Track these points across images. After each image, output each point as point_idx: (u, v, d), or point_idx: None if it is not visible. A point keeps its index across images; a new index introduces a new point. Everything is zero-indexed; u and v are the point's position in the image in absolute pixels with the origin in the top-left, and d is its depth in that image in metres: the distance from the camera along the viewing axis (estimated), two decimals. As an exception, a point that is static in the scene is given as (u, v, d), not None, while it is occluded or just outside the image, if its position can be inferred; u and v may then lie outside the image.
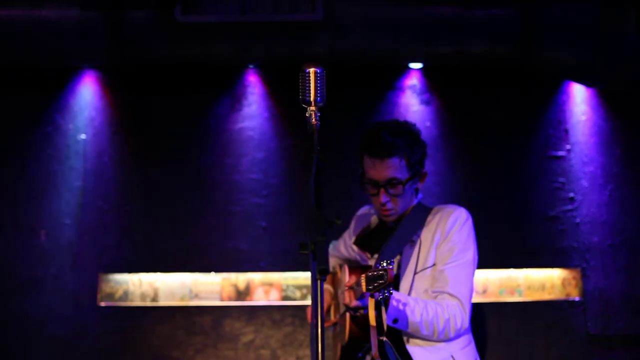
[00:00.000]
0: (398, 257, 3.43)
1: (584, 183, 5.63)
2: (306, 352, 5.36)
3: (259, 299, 5.48)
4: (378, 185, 3.43)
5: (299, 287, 5.49)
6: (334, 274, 3.80)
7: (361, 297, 3.01)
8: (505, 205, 5.56)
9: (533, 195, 5.62)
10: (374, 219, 3.75)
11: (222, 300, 5.47)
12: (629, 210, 5.62)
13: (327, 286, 3.82)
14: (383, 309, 2.96)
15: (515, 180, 5.64)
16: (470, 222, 3.45)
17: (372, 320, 2.92)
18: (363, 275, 2.90)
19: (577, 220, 5.56)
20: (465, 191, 5.58)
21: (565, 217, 5.58)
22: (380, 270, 2.83)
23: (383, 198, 3.43)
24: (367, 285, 2.86)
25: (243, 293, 5.49)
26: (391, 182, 3.40)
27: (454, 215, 3.43)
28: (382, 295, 2.85)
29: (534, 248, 5.52)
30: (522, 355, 5.38)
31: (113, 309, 5.44)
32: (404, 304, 3.11)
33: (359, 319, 3.28)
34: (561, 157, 5.66)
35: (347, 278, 3.33)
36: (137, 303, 5.47)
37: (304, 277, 5.48)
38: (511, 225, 5.53)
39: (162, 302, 5.47)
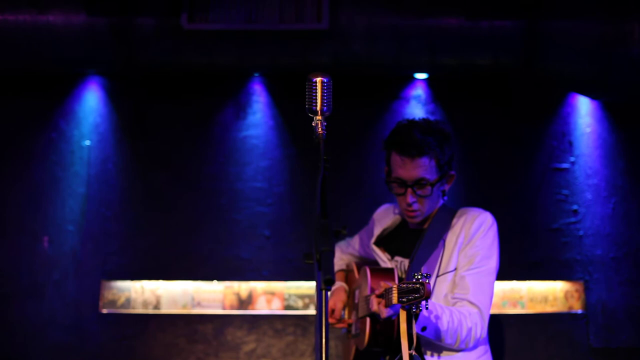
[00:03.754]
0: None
1: (588, 195, 5.62)
2: (308, 361, 5.35)
3: (261, 308, 5.47)
4: (405, 185, 3.33)
5: (302, 297, 5.48)
6: (349, 271, 3.75)
7: (392, 306, 2.91)
8: (508, 217, 5.54)
9: (536, 207, 5.61)
10: (395, 218, 3.66)
11: (224, 308, 5.46)
12: (633, 223, 5.61)
13: (342, 284, 3.75)
14: (414, 322, 2.91)
15: (519, 192, 5.64)
16: (495, 228, 3.38)
17: (404, 333, 2.86)
18: (395, 285, 2.82)
19: (581, 232, 5.55)
20: (468, 202, 5.53)
21: (568, 229, 5.57)
22: (416, 283, 2.74)
23: (410, 198, 3.34)
24: (399, 297, 2.79)
25: (245, 302, 5.48)
26: (419, 183, 3.31)
27: (479, 220, 3.36)
28: (417, 309, 2.78)
29: (537, 260, 5.51)
30: (524, 367, 5.38)
31: (115, 316, 5.43)
32: (434, 312, 3.04)
33: (382, 326, 3.21)
34: (565, 169, 5.65)
35: (369, 282, 3.26)
36: (139, 310, 5.47)
37: (307, 287, 5.48)
38: (514, 237, 5.51)
39: (164, 310, 5.46)
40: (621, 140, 5.73)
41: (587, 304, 5.46)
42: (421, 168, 3.30)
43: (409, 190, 3.33)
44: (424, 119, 3.47)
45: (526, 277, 5.50)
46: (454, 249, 3.33)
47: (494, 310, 5.45)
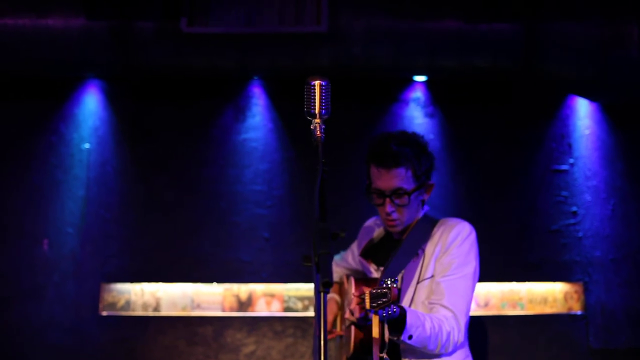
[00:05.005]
0: (402, 271, 3.42)
1: (587, 197, 5.63)
2: (307, 363, 5.36)
3: (260, 310, 5.48)
4: (384, 195, 3.42)
5: (301, 299, 5.49)
6: (341, 284, 3.80)
7: (366, 312, 3.01)
8: (508, 218, 5.56)
9: (536, 208, 5.62)
10: (380, 231, 3.74)
11: (223, 310, 5.47)
12: (632, 225, 5.62)
13: (334, 296, 3.81)
14: (386, 326, 2.97)
15: (518, 194, 5.64)
16: (472, 237, 3.44)
17: (375, 337, 2.93)
18: (367, 291, 2.91)
19: (580, 234, 5.56)
20: (468, 204, 5.57)
21: (567, 231, 5.57)
22: (384, 288, 2.83)
23: (388, 208, 3.42)
24: (370, 302, 2.88)
25: (245, 304, 5.49)
26: (397, 192, 3.40)
27: (456, 230, 3.41)
28: (386, 313, 2.86)
29: (536, 261, 5.52)
30: (523, 369, 5.39)
31: (115, 319, 5.44)
32: (416, 320, 3.09)
33: (365, 332, 3.26)
34: (564, 171, 5.66)
35: (353, 290, 3.33)
36: (139, 313, 5.47)
37: (306, 289, 5.48)
38: (513, 239, 5.52)
39: (164, 312, 5.47)
40: (620, 142, 5.74)
41: (586, 305, 5.47)
42: (397, 178, 3.39)
43: (387, 200, 3.43)
44: (401, 132, 3.59)
45: (525, 278, 5.51)
46: (431, 257, 3.41)
47: (493, 312, 5.45)
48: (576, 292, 5.52)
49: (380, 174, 3.42)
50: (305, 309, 5.47)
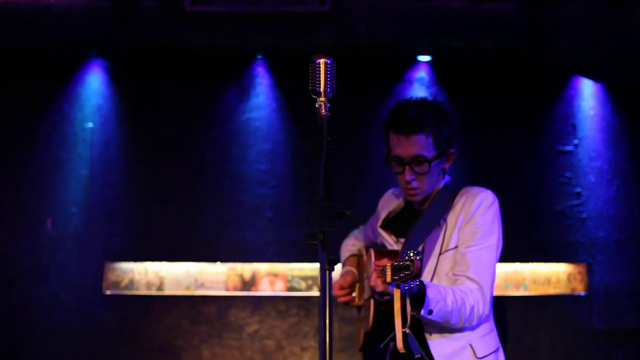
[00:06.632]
0: (424, 242, 3.33)
1: (591, 178, 5.63)
2: (311, 342, 5.37)
3: (264, 290, 5.48)
4: (403, 163, 3.31)
5: (305, 278, 5.50)
6: (360, 256, 3.76)
7: (387, 285, 2.90)
8: (511, 199, 5.54)
9: (540, 189, 5.61)
10: (399, 201, 3.65)
11: (227, 290, 5.48)
12: (636, 206, 5.61)
13: (351, 268, 3.76)
14: (408, 300, 2.92)
15: (522, 175, 5.64)
16: (496, 206, 3.36)
17: (397, 312, 2.86)
18: (389, 264, 2.82)
19: (584, 215, 5.56)
20: (472, 184, 5.56)
21: (571, 212, 5.57)
22: (406, 260, 2.73)
23: (408, 176, 3.31)
24: (392, 275, 2.77)
25: (248, 283, 5.50)
26: (417, 160, 3.28)
27: (480, 198, 3.33)
28: (409, 286, 2.78)
29: (540, 242, 5.52)
30: (526, 349, 5.39)
31: (118, 298, 5.45)
32: (437, 294, 3.02)
33: (384, 306, 3.20)
34: (568, 152, 5.65)
35: (373, 262, 3.26)
36: (143, 292, 5.49)
37: (310, 268, 5.49)
38: (517, 220, 5.51)
39: (168, 291, 5.48)
40: (624, 122, 5.73)
41: (590, 286, 5.47)
42: (418, 145, 3.27)
43: (407, 167, 3.31)
44: (421, 98, 3.46)
45: (529, 259, 5.51)
46: (454, 228, 3.31)
47: (496, 292, 5.44)
48: (580, 273, 5.52)
49: (400, 140, 3.29)
50: (309, 288, 5.48)
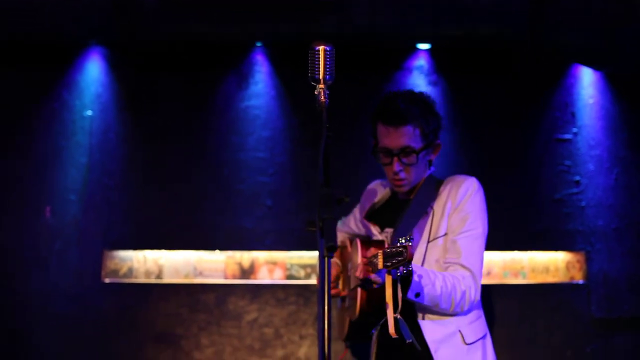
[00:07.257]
0: (412, 230, 3.38)
1: (590, 166, 5.62)
2: (309, 331, 5.37)
3: (263, 278, 5.49)
4: (391, 154, 3.39)
5: (303, 266, 5.50)
6: (343, 248, 3.78)
7: (378, 272, 2.94)
8: (510, 187, 5.55)
9: (539, 178, 5.61)
10: (385, 192, 3.72)
11: (226, 278, 5.48)
12: (635, 194, 5.61)
13: (335, 260, 3.79)
14: (399, 286, 2.94)
15: (521, 163, 5.64)
16: (481, 192, 3.42)
17: (389, 298, 2.89)
18: (380, 250, 2.85)
19: (583, 203, 5.56)
20: (471, 173, 5.54)
21: (570, 200, 5.57)
22: (399, 247, 2.77)
23: (396, 167, 3.39)
24: (384, 261, 2.81)
25: (247, 271, 5.50)
26: (405, 151, 3.37)
27: (465, 185, 3.39)
28: (401, 272, 2.81)
29: (539, 231, 5.52)
30: (525, 337, 5.39)
31: (117, 286, 5.46)
32: (426, 278, 3.07)
33: (372, 294, 3.24)
34: (568, 140, 5.65)
35: (359, 252, 3.30)
36: (142, 280, 5.49)
37: (309, 257, 5.49)
38: (516, 208, 5.52)
39: (167, 280, 5.48)
40: (624, 111, 5.73)
41: (588, 274, 5.48)
42: (406, 136, 3.35)
43: (395, 158, 3.39)
44: (408, 90, 3.54)
45: (528, 247, 5.52)
46: (442, 215, 3.37)
47: (495, 281, 5.46)
48: (578, 261, 5.53)
49: (388, 132, 3.38)
50: (308, 276, 5.48)
